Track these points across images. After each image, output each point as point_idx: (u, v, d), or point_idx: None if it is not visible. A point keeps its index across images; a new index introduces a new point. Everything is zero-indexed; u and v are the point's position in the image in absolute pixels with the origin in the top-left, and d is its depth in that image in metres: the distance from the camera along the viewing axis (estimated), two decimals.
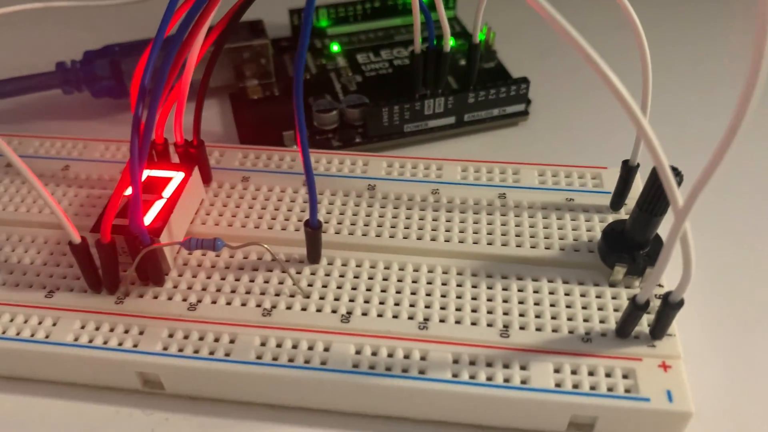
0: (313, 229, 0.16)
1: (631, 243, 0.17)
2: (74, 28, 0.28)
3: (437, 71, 0.22)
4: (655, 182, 0.15)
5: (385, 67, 0.26)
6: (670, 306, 0.14)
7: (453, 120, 0.23)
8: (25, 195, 0.20)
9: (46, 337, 0.16)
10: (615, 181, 0.19)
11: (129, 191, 0.18)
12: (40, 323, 0.16)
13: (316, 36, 0.28)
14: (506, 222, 0.18)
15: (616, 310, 0.16)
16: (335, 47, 0.27)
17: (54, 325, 0.16)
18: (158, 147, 0.19)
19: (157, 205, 0.17)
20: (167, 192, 0.18)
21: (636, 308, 0.15)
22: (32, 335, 0.16)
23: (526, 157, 0.23)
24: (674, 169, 0.15)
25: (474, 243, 0.18)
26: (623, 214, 0.19)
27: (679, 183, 0.15)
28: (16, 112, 0.25)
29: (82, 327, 0.16)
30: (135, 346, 0.16)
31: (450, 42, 0.23)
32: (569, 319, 0.16)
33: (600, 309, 0.16)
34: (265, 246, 0.16)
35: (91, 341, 0.16)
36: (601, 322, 0.16)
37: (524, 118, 0.24)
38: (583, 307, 0.16)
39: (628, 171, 0.18)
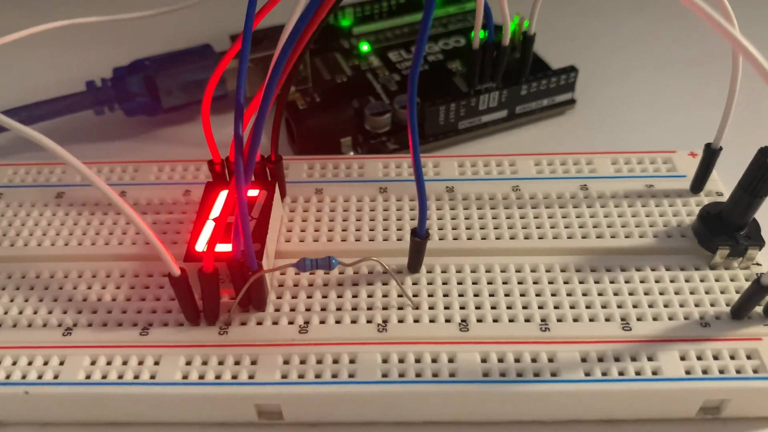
0: (421, 238, 0.16)
1: (729, 225, 0.17)
2: (97, 43, 0.27)
3: (495, 66, 0.21)
4: (760, 163, 0.16)
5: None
6: None
7: (505, 113, 0.23)
8: (86, 227, 0.18)
9: (152, 377, 0.15)
10: (686, 165, 0.20)
11: (216, 214, 0.17)
12: (140, 363, 0.15)
13: (341, 36, 0.27)
14: (594, 214, 0.18)
15: (722, 292, 0.17)
16: (365, 47, 0.26)
17: (157, 363, 0.15)
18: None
19: (252, 226, 0.17)
20: (255, 212, 0.17)
21: (761, 289, 0.15)
22: (136, 377, 0.15)
23: (578, 145, 0.23)
24: None
25: (569, 238, 0.18)
26: (703, 196, 0.19)
27: None
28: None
29: (188, 363, 0.15)
30: (251, 377, 0.15)
31: (480, 35, 0.23)
32: (681, 306, 0.16)
33: (707, 293, 0.16)
34: (379, 261, 0.16)
35: (202, 377, 0.15)
36: (712, 305, 0.16)
37: (571, 106, 0.24)
38: (691, 292, 0.17)
39: (710, 154, 0.18)
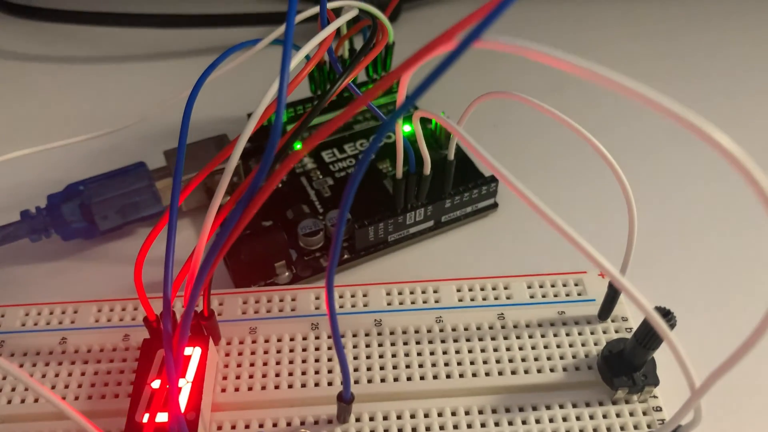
0: (347, 402, 0.17)
1: (628, 365, 0.18)
2: (30, 169, 0.27)
3: (419, 191, 0.23)
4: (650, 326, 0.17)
5: (352, 165, 0.26)
6: None
7: (432, 223, 0.24)
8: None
9: None
10: (596, 287, 0.21)
11: (153, 377, 0.18)
12: None
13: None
14: (510, 346, 0.20)
15: (622, 428, 0.18)
16: (298, 145, 0.27)
17: None
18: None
19: (185, 392, 0.18)
20: (190, 374, 0.18)
21: None
22: None
23: (500, 246, 0.25)
24: (666, 314, 0.17)
25: (486, 375, 0.19)
26: (610, 322, 0.21)
27: (672, 326, 0.17)
28: None
29: None
30: None
31: (409, 127, 0.25)
32: None
33: (608, 429, 0.18)
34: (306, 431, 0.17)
35: None
36: None
37: (494, 210, 0.25)
38: (594, 430, 0.18)
39: (614, 291, 0.20)
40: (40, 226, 0.23)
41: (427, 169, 0.22)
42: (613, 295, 0.20)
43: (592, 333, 0.20)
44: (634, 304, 0.13)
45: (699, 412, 0.15)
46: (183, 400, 0.17)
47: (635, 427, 0.18)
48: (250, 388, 0.19)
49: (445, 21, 0.34)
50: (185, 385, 0.18)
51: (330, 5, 0.22)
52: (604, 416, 0.18)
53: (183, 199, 0.17)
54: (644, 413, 0.19)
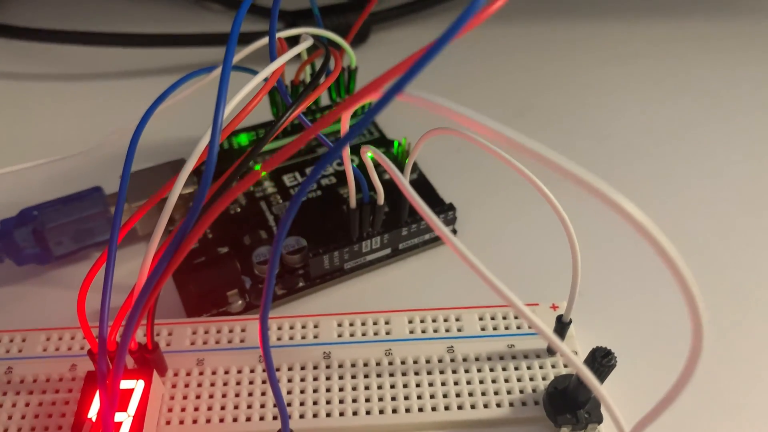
0: None
1: (572, 403, 0.18)
2: None
3: (373, 219, 0.23)
4: (592, 363, 0.17)
5: (314, 189, 0.26)
6: None
7: (389, 251, 0.24)
8: None
9: None
10: (547, 319, 0.21)
11: (92, 414, 0.18)
12: None
13: (237, 157, 0.27)
14: (458, 380, 0.20)
15: None
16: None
17: None
18: (112, 355, 0.19)
19: (126, 426, 0.17)
20: (132, 407, 0.18)
21: None
22: None
23: (457, 275, 0.25)
24: (606, 354, 0.17)
25: (433, 409, 0.19)
26: (558, 356, 0.21)
27: (611, 367, 0.17)
28: None
29: None
30: None
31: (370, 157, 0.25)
32: None
33: None
34: None
35: None
36: None
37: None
38: None
39: (561, 326, 0.20)
40: None
41: (381, 198, 0.22)
42: (561, 329, 0.20)
43: (540, 367, 0.20)
44: (545, 339, 0.13)
45: None
46: None
47: None
48: (194, 421, 0.19)
49: (414, 41, 0.34)
50: (126, 419, 0.18)
51: (286, 33, 0.22)
52: None
53: (123, 235, 0.17)
54: None
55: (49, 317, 0.22)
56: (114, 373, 0.16)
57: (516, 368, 0.20)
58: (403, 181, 0.15)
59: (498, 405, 0.19)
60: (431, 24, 0.37)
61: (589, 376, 0.13)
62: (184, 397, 0.19)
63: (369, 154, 0.26)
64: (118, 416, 0.18)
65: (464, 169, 0.29)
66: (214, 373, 0.20)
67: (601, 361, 0.17)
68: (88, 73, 0.34)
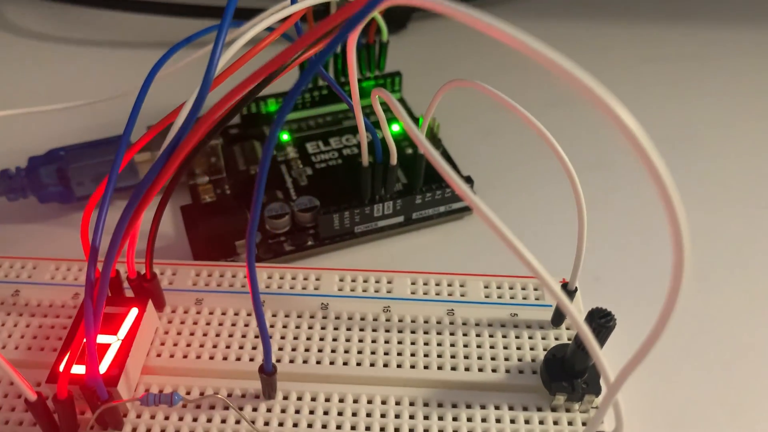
0: (268, 375, 0.17)
1: (570, 371, 0.18)
2: (17, 131, 0.28)
3: (385, 181, 0.22)
4: (590, 323, 0.16)
5: (335, 158, 0.26)
6: None
7: (401, 219, 0.24)
8: None
9: None
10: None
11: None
12: None
13: (265, 123, 0.28)
14: (455, 342, 0.19)
15: None
16: (285, 136, 0.27)
17: None
18: (111, 280, 0.19)
19: (113, 349, 0.18)
20: (122, 332, 0.18)
21: None
22: None
23: (472, 251, 0.24)
24: (606, 315, 0.16)
25: (425, 368, 0.19)
26: (564, 328, 0.20)
27: (610, 328, 0.16)
28: None
29: None
30: None
31: (398, 127, 0.24)
32: None
33: None
34: (221, 396, 0.17)
35: None
36: None
37: (469, 212, 0.25)
38: None
39: (567, 294, 0.19)
40: (18, 186, 0.23)
41: (393, 158, 0.21)
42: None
43: (543, 338, 0.19)
44: (543, 285, 0.13)
45: (620, 418, 0.15)
46: (110, 355, 0.17)
47: None
48: (185, 356, 0.19)
49: (452, 32, 0.34)
50: (115, 342, 0.18)
51: None
52: (540, 422, 0.18)
53: (126, 162, 0.17)
54: (584, 423, 0.18)
55: (62, 254, 0.23)
56: (99, 291, 0.16)
57: (517, 336, 0.19)
58: (414, 129, 0.15)
59: (494, 370, 0.19)
60: None
61: (584, 330, 0.13)
62: (179, 333, 0.19)
63: (396, 126, 0.26)
64: (107, 338, 0.18)
65: (492, 153, 0.28)
66: (211, 313, 0.20)
67: (599, 321, 0.16)
68: (138, 41, 0.35)
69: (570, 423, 0.18)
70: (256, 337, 0.19)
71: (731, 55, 0.35)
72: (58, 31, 0.36)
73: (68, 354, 0.17)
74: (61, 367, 0.17)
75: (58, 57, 0.34)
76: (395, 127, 0.27)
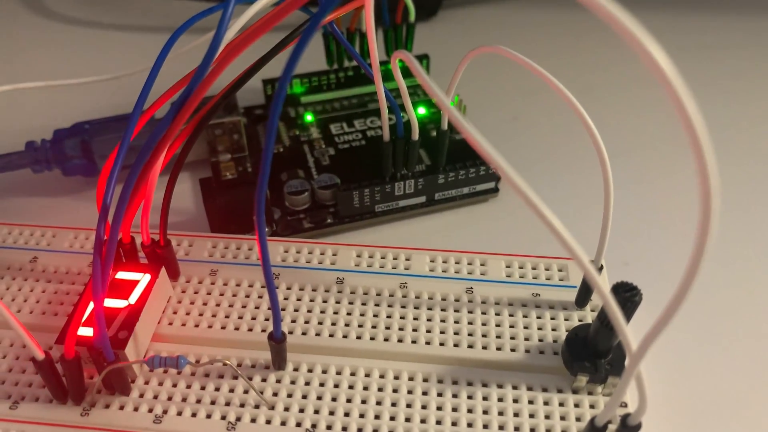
0: (277, 342, 0.16)
1: (593, 351, 0.17)
2: (45, 105, 0.28)
3: (406, 158, 0.22)
4: (616, 298, 0.15)
5: (358, 139, 0.26)
6: (627, 429, 0.15)
7: (424, 199, 0.23)
8: None
9: None
10: (580, 274, 0.20)
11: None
12: None
13: (290, 104, 0.28)
14: (473, 320, 0.19)
15: (578, 419, 0.16)
16: (309, 117, 0.27)
17: None
18: (125, 246, 0.19)
19: (123, 313, 0.17)
20: (133, 297, 0.18)
21: (593, 429, 0.15)
22: None
23: (495, 234, 0.23)
24: (631, 289, 0.16)
25: (441, 344, 0.18)
26: (588, 310, 0.19)
27: (637, 302, 0.15)
28: None
29: None
30: None
31: (424, 110, 0.24)
32: (532, 430, 0.16)
33: (562, 418, 0.16)
34: (229, 363, 0.16)
35: None
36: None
37: (494, 194, 0.24)
38: (546, 416, 0.16)
39: None
40: (43, 158, 0.24)
41: (415, 133, 0.21)
42: None
43: (566, 319, 0.19)
44: (568, 253, 0.12)
45: (644, 398, 0.14)
46: (120, 319, 0.17)
47: None
48: (196, 325, 0.19)
49: (481, 22, 0.34)
50: (125, 306, 0.18)
51: None
52: (561, 404, 0.17)
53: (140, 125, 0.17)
54: None
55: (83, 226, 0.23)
56: (107, 249, 0.15)
57: (538, 317, 0.19)
58: (437, 92, 0.14)
59: (513, 350, 0.18)
60: (500, 5, 0.36)
61: (609, 300, 0.12)
62: (192, 302, 0.19)
63: (422, 109, 0.25)
64: (118, 302, 0.17)
65: (518, 139, 0.27)
66: (225, 284, 0.20)
67: (625, 294, 0.15)
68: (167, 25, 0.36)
69: (592, 406, 0.17)
70: (269, 308, 0.19)
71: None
72: (89, 16, 0.37)
73: (83, 317, 0.17)
74: (79, 331, 0.17)
75: (89, 39, 0.35)
76: (421, 110, 0.26)
